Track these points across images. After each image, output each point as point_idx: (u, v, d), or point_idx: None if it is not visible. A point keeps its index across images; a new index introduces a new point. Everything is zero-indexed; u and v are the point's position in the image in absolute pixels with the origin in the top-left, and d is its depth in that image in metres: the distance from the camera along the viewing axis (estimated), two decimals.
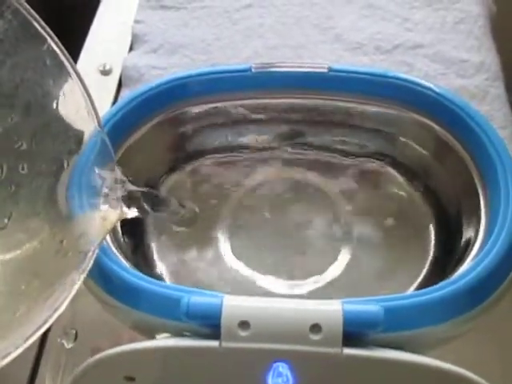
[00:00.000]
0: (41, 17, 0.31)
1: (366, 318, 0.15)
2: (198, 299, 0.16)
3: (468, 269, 0.17)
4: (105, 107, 0.32)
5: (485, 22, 0.37)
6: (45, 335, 0.24)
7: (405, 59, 0.34)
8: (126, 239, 0.22)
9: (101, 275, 0.18)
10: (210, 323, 0.16)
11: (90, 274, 0.18)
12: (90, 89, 0.33)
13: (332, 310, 0.15)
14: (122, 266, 0.18)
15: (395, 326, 0.16)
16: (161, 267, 0.23)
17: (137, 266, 0.21)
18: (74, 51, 0.35)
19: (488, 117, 0.31)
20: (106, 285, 0.18)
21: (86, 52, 0.35)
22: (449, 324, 0.17)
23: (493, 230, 0.18)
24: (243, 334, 0.15)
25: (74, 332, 0.24)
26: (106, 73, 0.34)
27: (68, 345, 0.23)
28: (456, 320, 0.17)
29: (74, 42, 0.35)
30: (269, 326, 0.15)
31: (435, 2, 0.37)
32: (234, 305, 0.16)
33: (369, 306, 0.16)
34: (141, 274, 0.18)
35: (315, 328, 0.15)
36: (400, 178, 0.24)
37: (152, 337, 0.18)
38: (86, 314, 0.24)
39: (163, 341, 0.16)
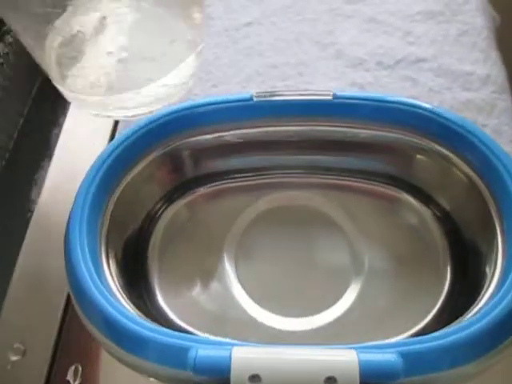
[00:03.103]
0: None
1: (383, 369, 0.14)
2: (206, 352, 0.15)
3: (489, 307, 0.16)
4: (102, 143, 0.30)
5: (489, 33, 0.36)
6: (50, 372, 0.23)
7: (408, 74, 0.33)
8: (128, 281, 0.21)
9: (106, 325, 0.17)
10: (219, 377, 0.15)
11: (96, 323, 0.17)
12: (85, 124, 0.32)
13: (347, 360, 0.14)
14: (127, 314, 0.17)
15: (413, 372, 0.15)
16: (165, 305, 0.22)
17: (141, 307, 0.20)
18: None
19: (496, 131, 0.30)
20: (111, 335, 0.17)
21: None
22: (469, 366, 0.16)
23: (510, 267, 0.17)
24: None
25: (80, 368, 0.23)
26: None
27: (74, 382, 0.23)
28: (477, 361, 0.16)
29: None
30: (281, 380, 0.14)
31: (437, 15, 0.37)
32: (243, 357, 0.15)
33: (386, 354, 0.15)
34: (145, 322, 0.17)
35: (330, 381, 0.14)
36: (416, 204, 0.23)
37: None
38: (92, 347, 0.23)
39: None
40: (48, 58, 0.28)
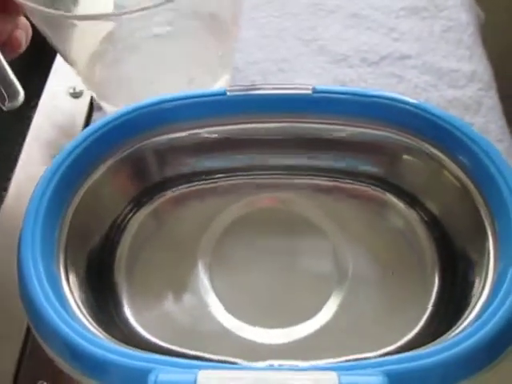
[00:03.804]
0: None
1: None
2: (168, 377, 0.13)
3: (483, 320, 0.15)
4: (75, 132, 0.30)
5: (474, 30, 0.35)
6: None
7: (393, 71, 0.33)
8: (93, 295, 0.19)
9: (61, 346, 0.16)
10: None
11: (51, 343, 0.16)
12: (60, 112, 0.32)
13: None
14: (83, 334, 0.15)
15: None
16: (134, 320, 0.20)
17: (107, 324, 0.18)
18: (43, 73, 0.33)
19: (483, 129, 0.29)
20: (67, 356, 0.16)
21: (55, 74, 0.33)
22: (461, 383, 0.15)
23: (505, 274, 0.16)
24: None
25: None
26: (76, 95, 0.32)
27: None
28: (469, 379, 0.15)
29: (43, 64, 0.33)
30: None
31: (421, 11, 0.36)
32: (209, 383, 0.13)
33: (370, 376, 0.13)
34: (103, 342, 0.15)
35: None
36: (403, 207, 0.22)
37: None
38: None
39: None
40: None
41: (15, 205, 0.28)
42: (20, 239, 0.17)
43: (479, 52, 0.34)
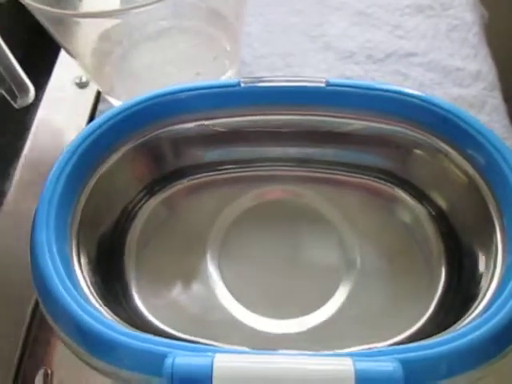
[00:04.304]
0: (18, 28, 0.29)
1: (382, 379, 0.13)
2: (185, 360, 0.14)
3: (493, 310, 0.15)
4: (82, 121, 0.30)
5: (479, 29, 0.36)
6: (17, 376, 0.22)
7: (398, 68, 0.33)
8: (103, 280, 0.19)
9: (74, 328, 0.16)
10: None
11: (63, 326, 0.16)
12: (66, 102, 0.32)
13: (342, 370, 0.13)
14: (97, 316, 0.16)
15: (414, 381, 0.14)
16: (143, 306, 0.20)
17: (117, 309, 0.18)
18: (49, 63, 0.33)
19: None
20: (80, 339, 0.16)
21: (62, 64, 0.33)
22: (471, 372, 0.15)
23: None
24: None
25: (50, 372, 0.21)
26: (82, 85, 0.32)
27: None
28: (480, 367, 0.15)
29: (49, 54, 0.33)
30: None
31: (427, 9, 0.36)
32: (226, 366, 0.13)
33: (384, 362, 0.13)
34: (117, 325, 0.15)
35: None
36: (410, 201, 0.22)
37: None
38: (62, 350, 0.21)
39: None
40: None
41: (19, 193, 0.28)
42: (34, 221, 0.17)
43: (484, 52, 0.34)
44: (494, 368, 0.15)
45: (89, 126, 0.19)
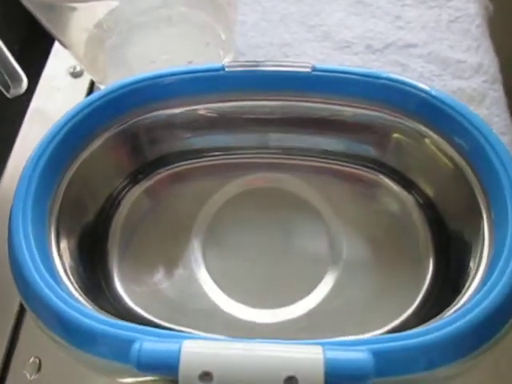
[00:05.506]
0: (12, 18, 0.29)
1: (352, 369, 0.13)
2: (152, 345, 0.13)
3: (472, 303, 0.15)
4: None
5: (482, 21, 0.35)
6: (6, 366, 0.22)
7: (398, 59, 0.32)
8: (84, 267, 0.19)
9: (46, 313, 0.16)
10: (165, 374, 0.13)
11: (40, 313, 0.16)
12: (60, 92, 0.32)
13: (311, 358, 0.13)
14: (68, 301, 0.15)
15: (386, 372, 0.14)
16: (124, 292, 0.20)
17: (97, 295, 0.18)
18: (43, 52, 0.33)
19: (487, 121, 0.29)
20: (53, 324, 0.15)
21: (56, 53, 0.33)
22: (448, 367, 0.14)
23: (498, 259, 0.15)
24: None
25: (38, 361, 0.21)
26: (76, 75, 0.32)
27: (31, 376, 0.21)
28: (457, 363, 0.14)
29: (43, 43, 0.33)
30: (235, 378, 0.13)
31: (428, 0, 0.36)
32: (194, 352, 0.13)
33: (355, 352, 0.13)
34: (89, 311, 0.15)
35: (291, 381, 0.12)
36: (397, 189, 0.21)
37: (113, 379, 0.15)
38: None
39: None
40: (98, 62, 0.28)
41: (12, 186, 0.28)
42: (12, 205, 0.17)
43: (486, 44, 0.34)
44: (477, 362, 0.15)
45: (70, 110, 0.19)
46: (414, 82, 0.19)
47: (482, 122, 0.18)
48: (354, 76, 0.19)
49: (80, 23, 0.26)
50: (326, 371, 0.13)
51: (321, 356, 0.13)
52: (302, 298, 0.20)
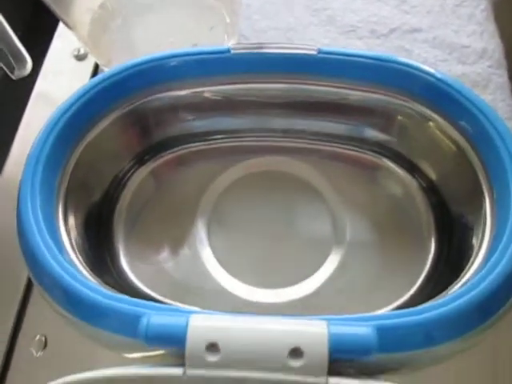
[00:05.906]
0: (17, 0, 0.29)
1: (355, 343, 0.13)
2: (160, 320, 0.14)
3: (474, 282, 0.15)
4: None
5: (487, 5, 0.35)
6: (13, 343, 0.22)
7: (402, 44, 0.32)
8: (91, 244, 0.19)
9: (55, 288, 0.16)
10: (173, 347, 0.13)
11: (47, 287, 0.16)
12: (64, 75, 0.32)
13: (315, 331, 0.13)
14: (77, 277, 0.16)
15: (388, 348, 0.14)
16: (129, 270, 0.21)
17: (103, 273, 0.18)
18: (47, 35, 0.33)
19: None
20: (60, 298, 0.16)
21: (60, 36, 0.33)
22: (450, 344, 0.15)
23: (500, 239, 0.15)
24: (211, 359, 0.13)
25: (44, 339, 0.22)
26: (80, 58, 0.32)
27: (37, 353, 0.21)
28: (459, 340, 0.15)
29: (47, 25, 0.33)
30: (240, 350, 0.13)
31: None
32: (201, 325, 0.13)
33: (359, 327, 0.13)
34: (97, 287, 0.16)
35: (296, 353, 0.13)
36: (401, 173, 0.22)
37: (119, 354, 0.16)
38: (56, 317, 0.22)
39: (116, 370, 0.14)
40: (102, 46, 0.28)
41: (16, 169, 0.28)
42: (20, 183, 0.18)
43: (491, 29, 0.33)
44: (479, 340, 0.15)
45: (76, 91, 0.19)
46: (420, 65, 0.19)
47: (488, 106, 0.18)
48: (359, 59, 0.19)
49: (84, 3, 0.26)
50: (330, 345, 0.13)
51: (325, 330, 0.13)
52: (306, 278, 0.20)
